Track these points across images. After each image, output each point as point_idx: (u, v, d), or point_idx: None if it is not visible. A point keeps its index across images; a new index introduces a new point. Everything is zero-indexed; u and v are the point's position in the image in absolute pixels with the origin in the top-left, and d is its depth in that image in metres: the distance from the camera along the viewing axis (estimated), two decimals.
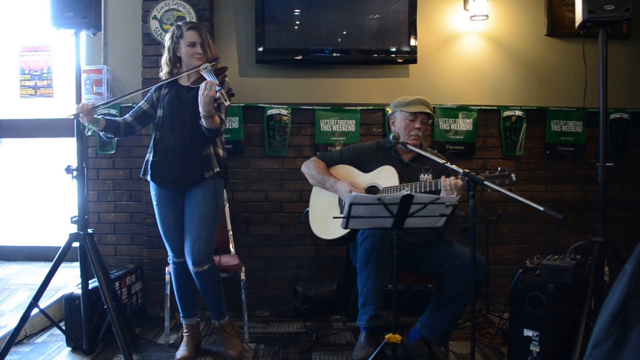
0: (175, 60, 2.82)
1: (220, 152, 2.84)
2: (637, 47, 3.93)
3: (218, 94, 2.44)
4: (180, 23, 2.86)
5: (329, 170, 2.99)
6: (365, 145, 3.08)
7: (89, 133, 2.73)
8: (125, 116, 2.90)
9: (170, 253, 2.89)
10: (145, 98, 2.90)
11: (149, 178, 2.82)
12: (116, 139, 2.81)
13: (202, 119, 2.57)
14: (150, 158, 2.81)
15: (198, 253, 2.74)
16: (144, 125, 2.96)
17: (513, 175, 2.38)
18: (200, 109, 2.53)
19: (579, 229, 3.82)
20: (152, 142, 2.83)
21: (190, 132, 2.73)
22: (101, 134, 2.81)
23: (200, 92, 2.49)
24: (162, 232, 2.88)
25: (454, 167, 2.43)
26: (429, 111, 2.88)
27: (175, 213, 2.83)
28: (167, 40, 2.81)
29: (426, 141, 3.73)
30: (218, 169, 2.77)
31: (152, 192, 2.86)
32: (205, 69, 2.63)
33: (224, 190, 2.94)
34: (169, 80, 2.80)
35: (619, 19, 2.60)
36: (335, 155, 3.05)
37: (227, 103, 2.46)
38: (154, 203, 2.86)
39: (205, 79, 2.55)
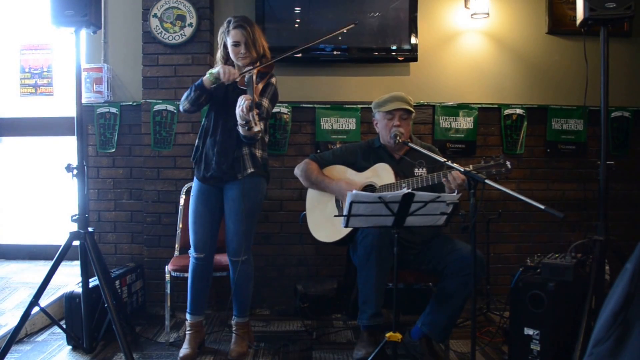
0: (227, 57, 2.83)
1: (258, 152, 2.82)
2: (639, 45, 3.92)
3: (250, 116, 2.44)
4: (230, 19, 2.81)
5: (322, 171, 2.97)
6: (356, 145, 3.08)
7: (212, 82, 2.69)
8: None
9: (192, 247, 2.91)
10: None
11: (194, 164, 2.88)
12: (187, 112, 2.83)
13: (239, 126, 2.58)
14: (200, 147, 2.84)
15: (235, 246, 2.83)
16: (207, 103, 2.89)
17: (508, 163, 2.38)
18: (237, 118, 2.54)
19: (580, 227, 3.81)
20: (201, 127, 2.88)
21: (229, 132, 2.75)
22: (197, 96, 2.73)
23: (237, 106, 2.50)
24: (189, 224, 2.91)
25: (454, 165, 2.43)
26: (405, 106, 2.81)
27: (204, 207, 2.85)
28: (219, 36, 2.84)
29: (427, 140, 3.74)
30: (252, 170, 2.77)
31: (194, 183, 2.92)
32: (250, 75, 2.60)
33: (264, 188, 2.93)
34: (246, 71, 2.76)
35: (620, 17, 2.59)
36: (328, 155, 3.04)
37: (256, 129, 2.45)
38: (192, 194, 2.90)
39: (244, 86, 2.61)
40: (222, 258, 3.03)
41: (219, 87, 2.78)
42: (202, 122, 2.89)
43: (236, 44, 2.74)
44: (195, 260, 2.89)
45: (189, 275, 2.94)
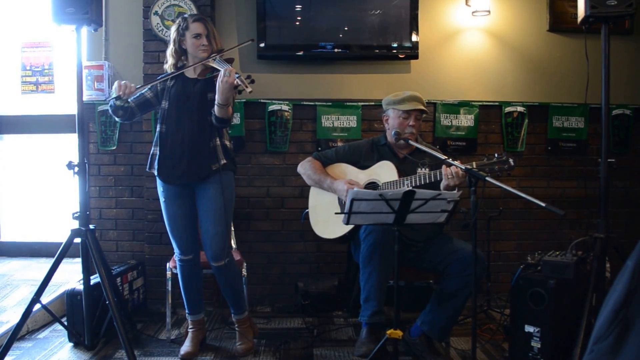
0: (180, 53, 2.80)
1: (227, 143, 2.82)
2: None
3: (238, 81, 2.47)
4: (186, 15, 2.84)
5: (325, 169, 2.97)
6: (360, 143, 3.08)
7: (116, 102, 2.71)
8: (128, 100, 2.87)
9: (177, 250, 2.88)
10: (150, 86, 2.83)
11: (155, 173, 2.80)
12: (119, 121, 2.78)
13: (216, 108, 2.59)
14: (157, 152, 2.78)
15: (216, 249, 2.77)
16: (144, 113, 2.90)
17: (511, 160, 2.38)
18: (217, 97, 2.55)
19: (581, 225, 3.82)
20: (156, 135, 2.80)
21: (197, 124, 2.73)
22: (113, 111, 2.75)
23: (219, 80, 2.51)
24: (169, 229, 2.86)
25: (455, 163, 2.45)
26: (422, 107, 2.85)
27: (183, 210, 2.82)
28: (172, 32, 2.79)
29: (427, 137, 3.75)
30: (225, 161, 2.76)
31: (160, 189, 2.84)
32: (215, 59, 2.67)
33: (234, 181, 2.91)
34: (178, 72, 2.78)
35: (621, 15, 2.59)
36: (331, 154, 3.04)
37: (249, 89, 2.48)
38: (162, 200, 2.84)
39: (218, 69, 2.60)
40: None
41: (177, 84, 2.77)
42: (157, 130, 2.80)
43: (198, 36, 2.73)
44: (183, 263, 2.88)
45: (179, 278, 2.93)
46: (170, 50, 2.81)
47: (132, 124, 3.76)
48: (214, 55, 2.71)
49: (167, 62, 2.84)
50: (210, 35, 2.76)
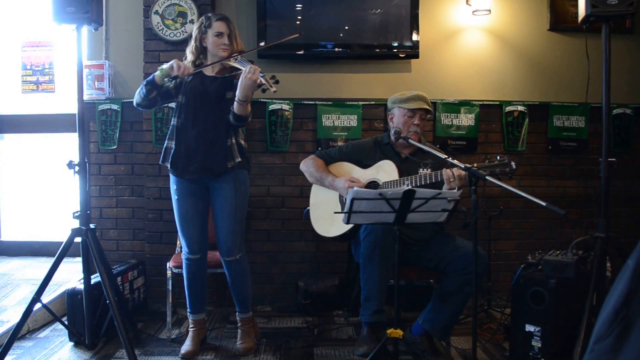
0: (200, 50, 2.81)
1: (242, 142, 2.83)
2: None
3: (262, 80, 2.48)
4: (209, 14, 2.86)
5: (327, 168, 2.98)
6: (363, 142, 3.08)
7: (163, 78, 2.68)
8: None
9: (185, 249, 2.88)
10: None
11: (168, 166, 2.79)
12: (141, 103, 2.75)
13: (236, 104, 2.59)
14: (173, 146, 2.77)
15: (231, 245, 2.80)
16: (163, 103, 2.93)
17: (513, 164, 2.38)
18: (238, 93, 2.55)
19: (581, 224, 3.82)
20: (171, 129, 2.80)
21: (214, 122, 2.73)
22: (148, 91, 2.71)
23: (242, 75, 2.52)
24: (179, 228, 2.86)
25: (455, 162, 2.45)
26: (427, 107, 2.87)
27: (196, 208, 2.82)
28: (194, 29, 2.82)
29: (428, 136, 3.74)
30: (240, 159, 2.77)
31: (173, 187, 2.84)
32: (236, 59, 2.68)
33: (248, 179, 2.91)
34: (197, 70, 2.77)
35: (622, 14, 2.59)
36: (334, 152, 3.05)
37: (273, 89, 2.47)
38: (174, 197, 2.84)
39: (236, 69, 2.62)
40: (216, 254, 3.01)
41: (195, 80, 2.78)
42: (172, 124, 2.80)
43: (219, 35, 2.74)
44: (190, 262, 2.88)
45: (184, 277, 2.93)
46: (190, 47, 2.83)
47: (133, 124, 3.76)
48: (235, 55, 2.72)
49: (185, 59, 2.84)
50: (232, 36, 2.77)
